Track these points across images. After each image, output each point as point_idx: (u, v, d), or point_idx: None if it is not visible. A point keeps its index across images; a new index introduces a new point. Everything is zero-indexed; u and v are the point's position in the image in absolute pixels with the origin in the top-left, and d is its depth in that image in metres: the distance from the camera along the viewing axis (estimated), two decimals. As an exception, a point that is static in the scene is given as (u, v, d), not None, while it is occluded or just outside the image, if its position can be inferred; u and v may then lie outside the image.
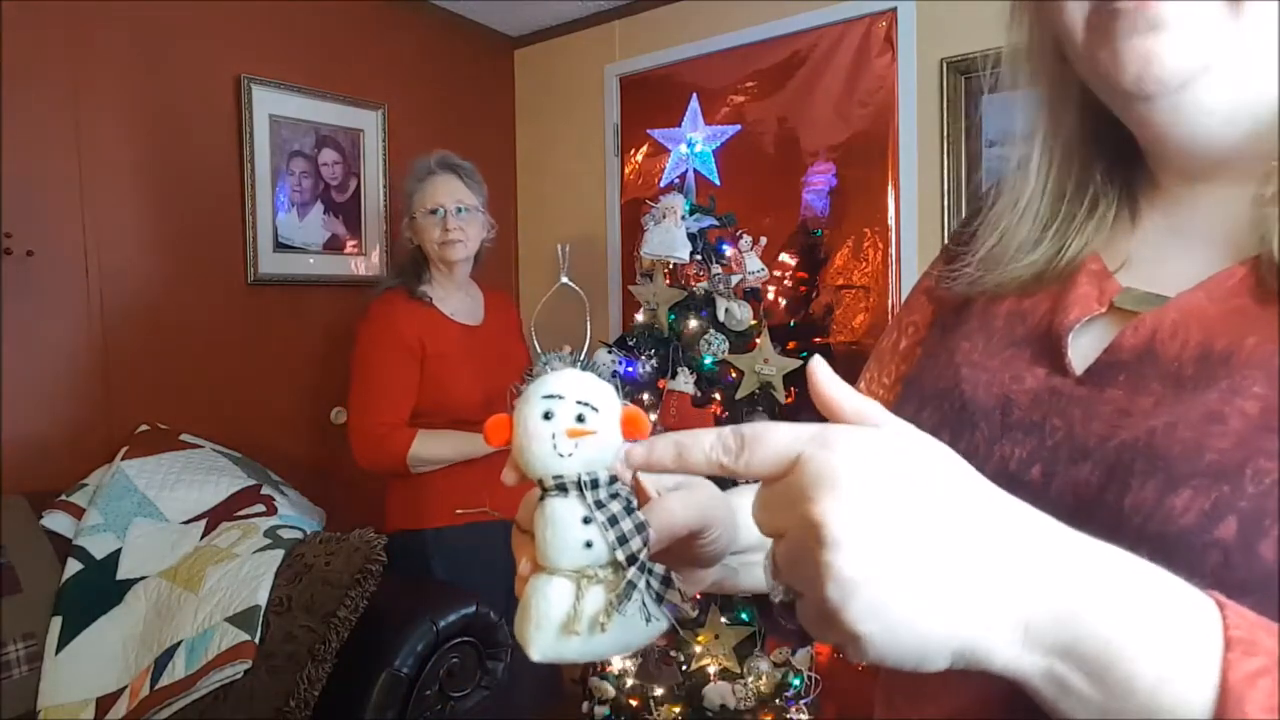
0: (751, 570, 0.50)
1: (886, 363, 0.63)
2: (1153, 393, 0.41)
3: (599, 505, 0.37)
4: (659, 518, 0.39)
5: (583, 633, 0.37)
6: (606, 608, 0.37)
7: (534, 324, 0.55)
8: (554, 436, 0.37)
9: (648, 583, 0.38)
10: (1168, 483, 0.37)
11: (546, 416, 0.37)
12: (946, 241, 0.61)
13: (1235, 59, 0.40)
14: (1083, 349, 0.45)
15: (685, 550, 0.42)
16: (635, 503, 0.39)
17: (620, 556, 0.37)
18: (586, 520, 0.37)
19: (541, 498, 0.38)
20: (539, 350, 0.42)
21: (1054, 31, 0.47)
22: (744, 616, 1.94)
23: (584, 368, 0.40)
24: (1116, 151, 0.50)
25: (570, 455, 0.37)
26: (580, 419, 0.37)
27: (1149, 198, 0.49)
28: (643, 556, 0.38)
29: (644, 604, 0.38)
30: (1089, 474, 0.41)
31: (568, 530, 0.37)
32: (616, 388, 0.39)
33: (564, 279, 0.49)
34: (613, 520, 0.37)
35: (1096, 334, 0.46)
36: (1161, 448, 0.38)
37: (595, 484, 0.38)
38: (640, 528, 0.38)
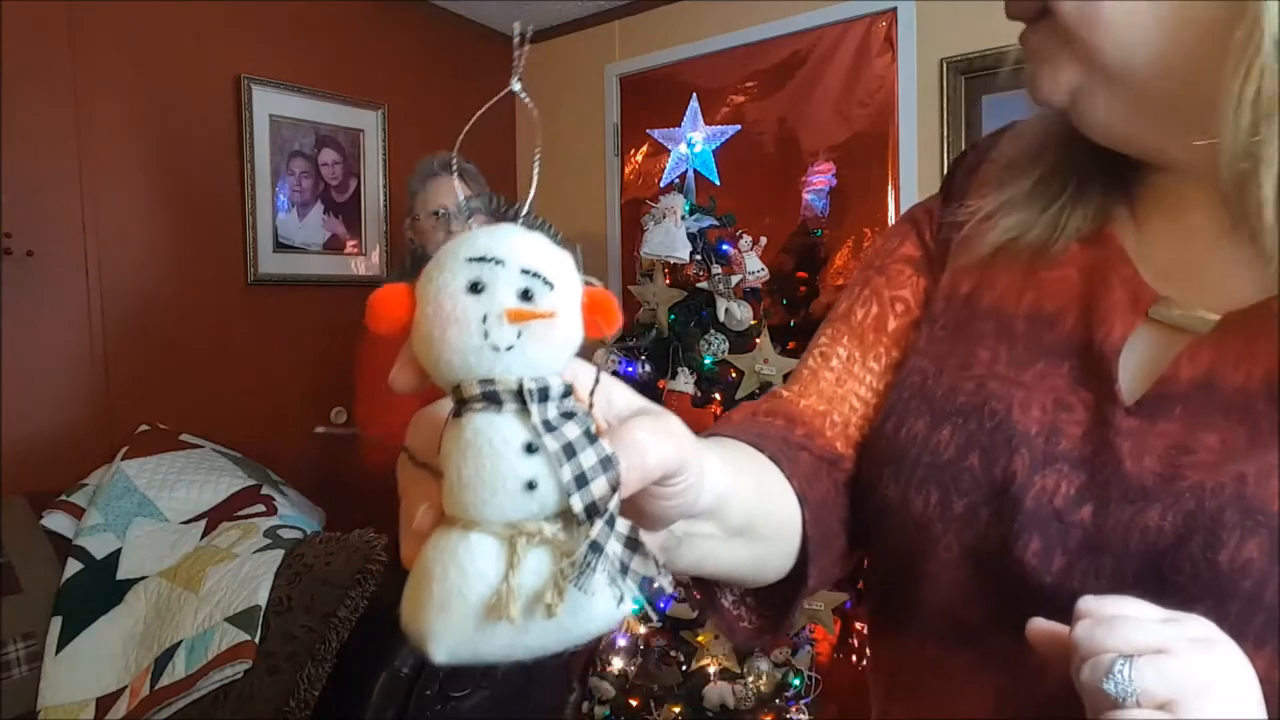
0: (696, 545, 0.39)
1: (871, 344, 0.55)
2: (1216, 428, 0.38)
3: (549, 428, 0.25)
4: (628, 453, 0.27)
5: (517, 619, 0.25)
6: (556, 581, 0.25)
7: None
8: (485, 319, 0.25)
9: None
10: (1275, 544, 0.35)
11: (475, 289, 0.25)
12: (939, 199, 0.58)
13: (1097, 75, 0.41)
14: (1124, 366, 0.43)
15: (638, 502, 0.30)
16: (594, 427, 0.27)
17: (577, 506, 0.25)
18: (530, 449, 0.25)
19: (457, 413, 0.26)
20: (462, 196, 0.28)
21: None
22: (744, 616, 1.94)
23: (531, 226, 0.27)
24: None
25: (510, 349, 0.25)
26: (527, 295, 0.25)
27: (1146, 183, 0.48)
28: (611, 506, 0.26)
29: (611, 576, 0.26)
30: (1159, 519, 0.38)
31: (502, 462, 0.25)
32: (576, 259, 0.27)
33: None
34: (569, 451, 0.25)
35: (1133, 347, 0.43)
36: (1258, 500, 0.36)
37: (545, 395, 0.26)
38: (606, 463, 0.26)
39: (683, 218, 2.00)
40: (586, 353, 0.28)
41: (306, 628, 1.47)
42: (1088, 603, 0.33)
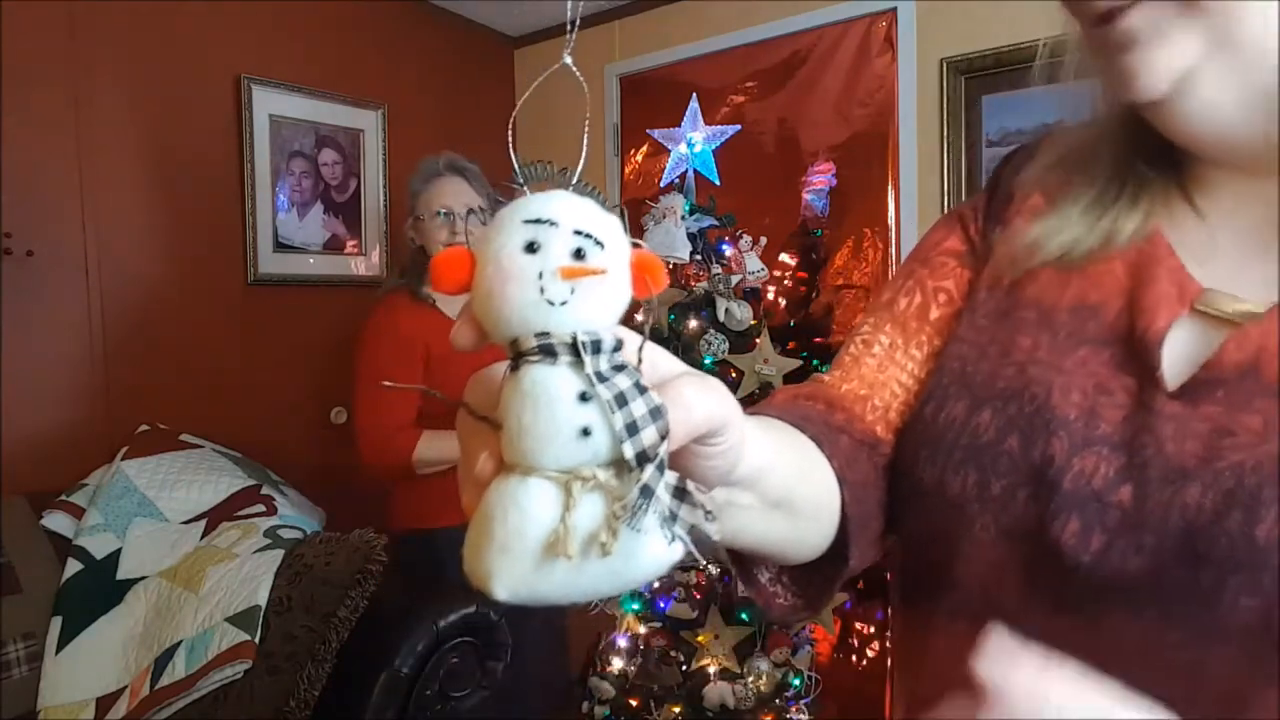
0: (735, 514, 0.39)
1: (914, 332, 0.55)
2: (1259, 410, 0.39)
3: (601, 378, 0.27)
4: (675, 406, 0.28)
5: (574, 557, 0.27)
6: (609, 521, 0.27)
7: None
8: (541, 276, 0.27)
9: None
10: None
11: (531, 249, 0.27)
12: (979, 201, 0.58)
13: (1221, 53, 0.39)
14: (1167, 355, 0.43)
15: (681, 462, 0.31)
16: (644, 379, 0.28)
17: (629, 452, 0.27)
18: (584, 398, 0.27)
19: (515, 366, 0.28)
20: (518, 165, 0.31)
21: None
22: (744, 616, 1.94)
23: (580, 192, 0.29)
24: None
25: (564, 304, 0.27)
26: (579, 254, 0.27)
27: (1199, 183, 0.47)
28: (662, 453, 0.27)
29: (661, 520, 0.28)
30: (1199, 497, 0.38)
31: (557, 411, 0.27)
32: (623, 223, 0.29)
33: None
34: (620, 400, 0.27)
35: (1177, 337, 0.43)
36: None
37: (598, 348, 0.27)
38: (656, 413, 0.27)
39: (683, 218, 2.00)
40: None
41: (306, 628, 1.48)
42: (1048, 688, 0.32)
